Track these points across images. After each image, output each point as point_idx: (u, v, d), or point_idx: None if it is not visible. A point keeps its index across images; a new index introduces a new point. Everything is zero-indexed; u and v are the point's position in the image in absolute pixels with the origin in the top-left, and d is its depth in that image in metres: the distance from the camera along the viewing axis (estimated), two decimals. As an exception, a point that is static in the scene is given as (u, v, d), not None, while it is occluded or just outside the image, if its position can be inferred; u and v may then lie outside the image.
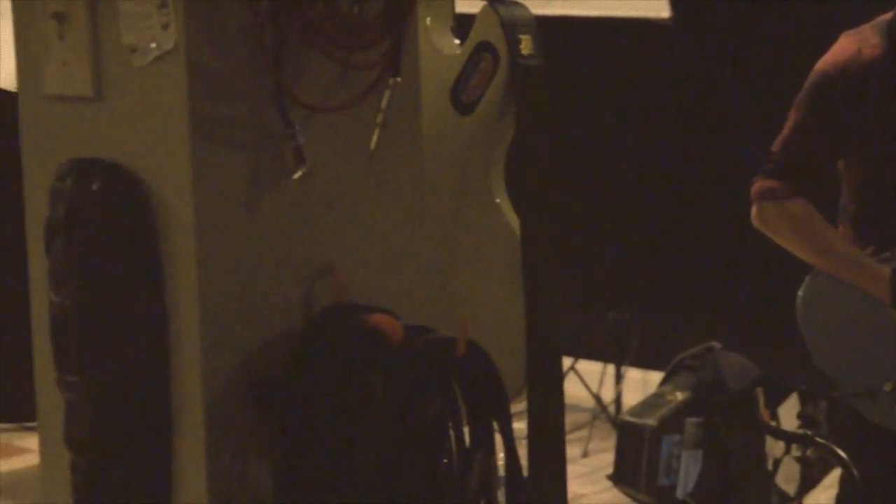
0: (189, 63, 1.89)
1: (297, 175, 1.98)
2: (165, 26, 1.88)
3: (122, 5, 1.92)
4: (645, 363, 4.42)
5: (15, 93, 2.13)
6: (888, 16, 2.43)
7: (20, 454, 4.29)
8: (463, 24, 2.50)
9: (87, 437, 1.97)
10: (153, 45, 1.90)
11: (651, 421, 3.54)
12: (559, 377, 2.38)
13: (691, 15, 4.08)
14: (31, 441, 4.34)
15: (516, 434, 1.99)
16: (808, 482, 3.30)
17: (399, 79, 2.06)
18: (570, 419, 2.43)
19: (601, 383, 4.46)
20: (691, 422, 3.43)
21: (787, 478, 3.33)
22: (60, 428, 2.00)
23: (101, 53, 1.97)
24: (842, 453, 2.77)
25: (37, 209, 2.08)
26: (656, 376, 3.98)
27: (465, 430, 1.95)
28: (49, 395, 2.07)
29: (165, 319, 1.95)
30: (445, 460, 1.92)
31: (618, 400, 4.47)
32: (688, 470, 3.36)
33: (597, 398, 4.41)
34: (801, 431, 3.30)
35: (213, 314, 1.93)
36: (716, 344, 3.62)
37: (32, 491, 3.92)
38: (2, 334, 2.47)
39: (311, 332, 1.99)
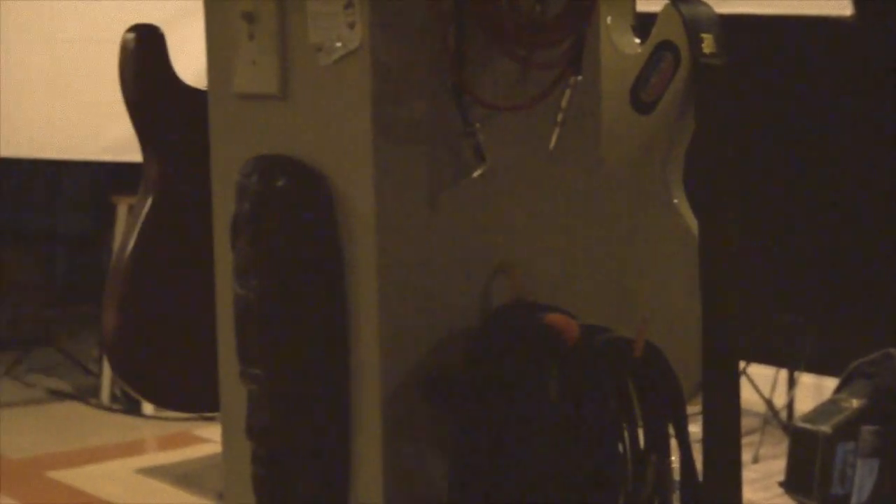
0: (373, 62, 1.91)
1: (476, 173, 1.98)
2: (351, 25, 1.91)
3: (310, 5, 1.95)
4: (819, 368, 4.34)
5: (205, 91, 2.19)
6: None
7: (200, 444, 4.40)
8: (644, 23, 2.48)
9: (267, 427, 2.01)
10: (339, 44, 1.93)
11: (825, 428, 3.47)
12: (736, 381, 2.34)
13: (874, 13, 3.97)
14: (210, 431, 4.46)
15: (691, 437, 1.97)
16: None
17: (580, 77, 2.05)
18: (741, 423, 2.39)
19: (773, 388, 4.39)
20: (867, 430, 3.36)
21: (968, 490, 3.23)
22: (242, 419, 2.04)
23: (289, 52, 2.01)
24: None
25: (223, 205, 2.13)
26: (831, 382, 3.91)
27: (640, 431, 1.94)
28: (231, 387, 2.12)
29: (346, 314, 1.97)
30: (619, 462, 1.91)
31: (790, 405, 4.40)
32: (863, 479, 3.29)
33: (768, 403, 4.34)
34: (984, 443, 3.19)
35: (392, 310, 1.95)
36: (894, 350, 3.53)
37: (212, 480, 4.04)
38: (184, 330, 2.52)
39: (488, 330, 2.00)
